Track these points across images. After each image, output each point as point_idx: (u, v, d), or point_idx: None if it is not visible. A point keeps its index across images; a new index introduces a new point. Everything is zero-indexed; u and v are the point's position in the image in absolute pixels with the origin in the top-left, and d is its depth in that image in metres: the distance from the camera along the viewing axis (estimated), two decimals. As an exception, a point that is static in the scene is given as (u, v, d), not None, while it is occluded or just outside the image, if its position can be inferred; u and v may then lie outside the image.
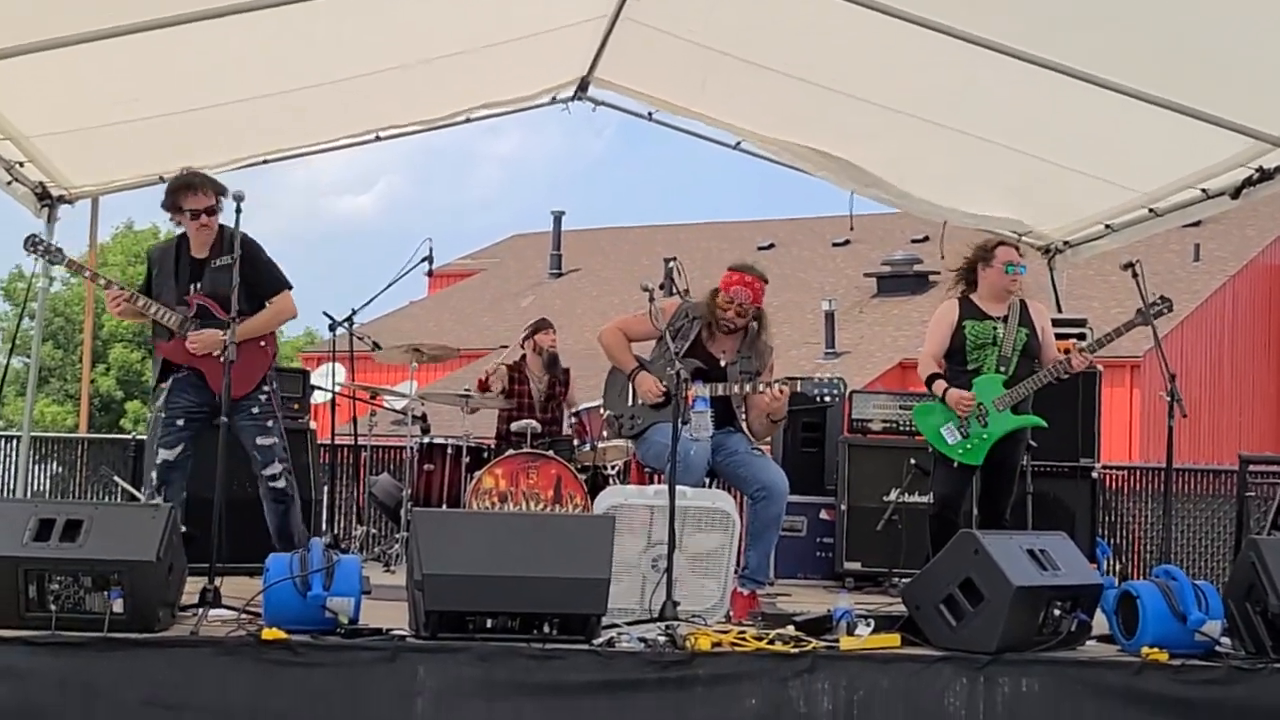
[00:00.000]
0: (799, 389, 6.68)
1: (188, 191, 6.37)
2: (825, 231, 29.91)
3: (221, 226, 6.45)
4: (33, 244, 6.52)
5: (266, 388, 6.53)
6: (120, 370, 34.09)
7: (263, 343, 6.51)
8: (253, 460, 6.51)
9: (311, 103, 7.91)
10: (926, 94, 7.80)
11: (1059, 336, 7.46)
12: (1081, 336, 8.56)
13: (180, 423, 6.41)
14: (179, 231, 6.54)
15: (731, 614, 6.03)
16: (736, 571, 6.24)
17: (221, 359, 6.02)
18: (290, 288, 6.62)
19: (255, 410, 6.46)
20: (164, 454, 6.38)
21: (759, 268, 6.89)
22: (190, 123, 7.73)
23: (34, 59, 6.54)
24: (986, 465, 6.85)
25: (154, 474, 6.39)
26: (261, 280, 6.45)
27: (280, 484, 6.50)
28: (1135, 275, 6.66)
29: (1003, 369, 6.81)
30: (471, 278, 34.21)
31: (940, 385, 6.80)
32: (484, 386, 9.02)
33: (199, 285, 6.42)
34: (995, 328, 6.85)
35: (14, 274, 36.89)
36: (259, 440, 6.47)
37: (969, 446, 6.78)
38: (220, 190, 6.39)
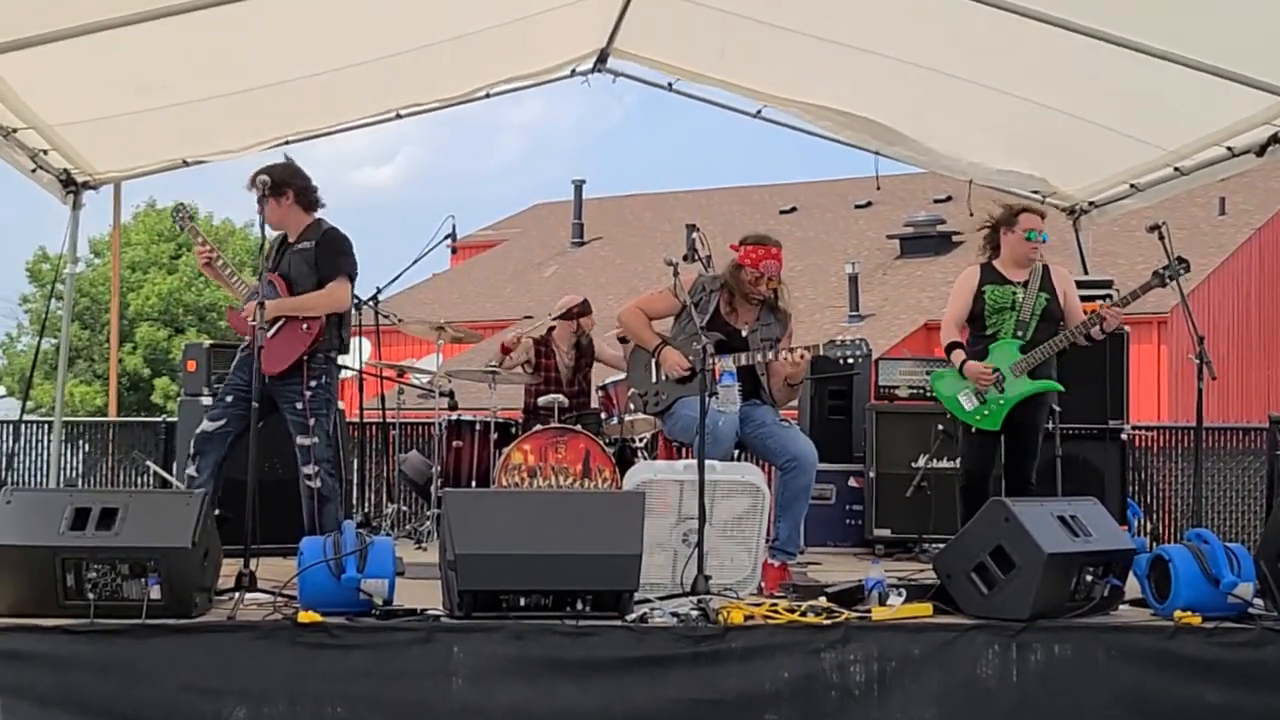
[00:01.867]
0: (822, 352, 6.69)
1: (250, 184, 6.52)
2: (847, 194, 29.83)
3: (318, 220, 6.75)
4: (179, 214, 7.04)
5: (314, 382, 6.57)
6: (147, 349, 34.21)
7: (305, 325, 6.55)
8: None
9: (333, 84, 7.91)
10: (947, 51, 7.74)
11: (1085, 299, 7.44)
12: (1108, 298, 8.52)
13: (229, 399, 6.58)
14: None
15: (763, 586, 6.04)
16: (767, 543, 6.25)
17: (271, 334, 6.37)
18: (348, 276, 6.70)
19: (298, 405, 6.54)
20: (205, 424, 6.59)
21: (771, 235, 6.89)
22: (213, 107, 7.73)
23: (57, 48, 6.55)
24: (1008, 430, 6.85)
25: (192, 443, 6.59)
26: (326, 265, 6.63)
27: (315, 484, 6.58)
28: (1161, 237, 6.63)
29: (1020, 334, 6.82)
30: (494, 248, 34.22)
31: (959, 355, 6.82)
32: (507, 350, 9.02)
33: (279, 267, 6.69)
34: (1014, 292, 6.86)
35: (38, 255, 37.05)
36: (299, 439, 6.58)
37: (986, 412, 6.80)
38: (269, 183, 6.44)
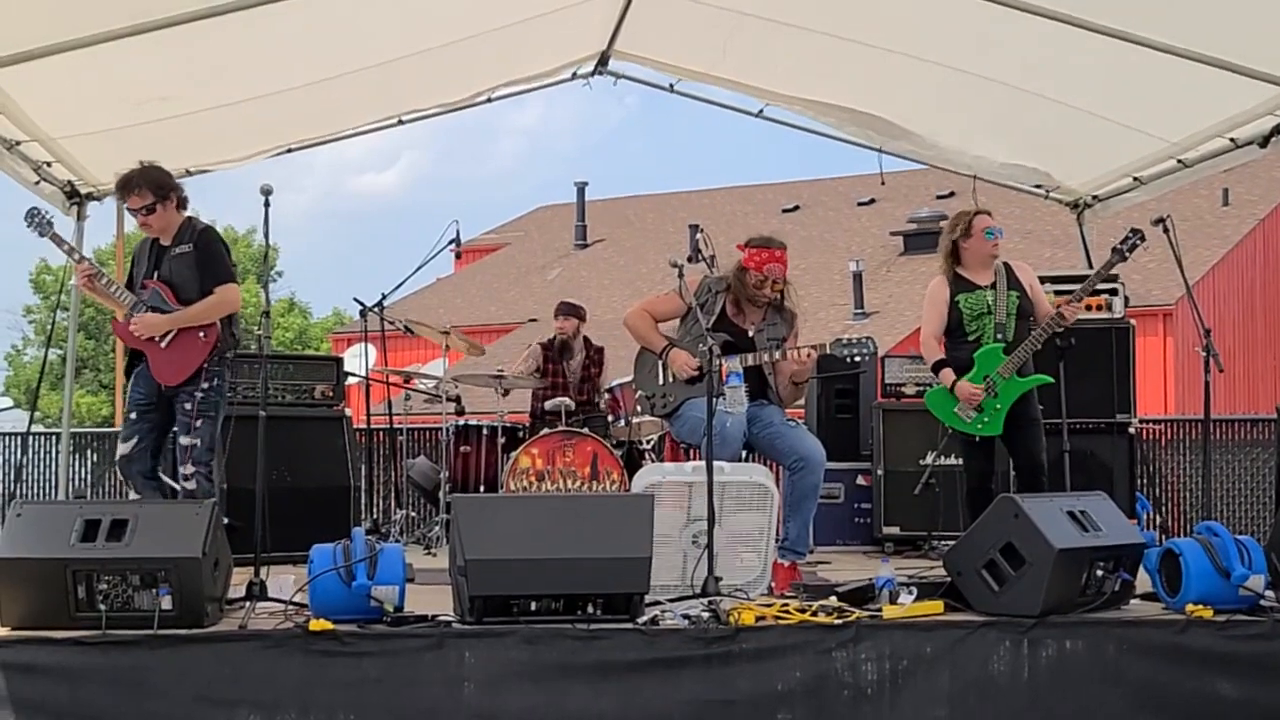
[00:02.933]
0: (829, 351, 6.69)
1: (125, 192, 6.47)
2: (850, 191, 29.83)
3: (190, 218, 6.59)
4: (32, 218, 6.61)
5: (207, 383, 6.46)
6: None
7: (202, 334, 6.44)
8: (153, 446, 6.51)
9: (334, 92, 7.90)
10: (950, 45, 7.73)
11: (1092, 293, 7.44)
12: (1113, 292, 8.53)
13: (133, 416, 6.51)
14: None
15: (773, 586, 6.05)
16: (776, 543, 6.25)
17: (164, 344, 6.33)
18: (235, 282, 6.64)
19: (188, 405, 6.42)
20: (121, 448, 6.52)
21: (776, 236, 6.89)
22: (215, 117, 7.73)
23: (58, 60, 6.56)
24: (1005, 428, 6.87)
25: (117, 468, 6.55)
26: (209, 272, 6.50)
27: (190, 485, 6.41)
28: (1166, 230, 6.64)
29: (1000, 336, 6.85)
30: (497, 252, 34.24)
31: (948, 375, 6.84)
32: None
33: (158, 273, 6.53)
34: (987, 297, 6.88)
35: (40, 266, 37.12)
36: (181, 439, 6.44)
37: (986, 420, 6.83)
38: (160, 187, 6.45)
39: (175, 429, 6.47)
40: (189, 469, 6.41)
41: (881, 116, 8.98)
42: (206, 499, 6.28)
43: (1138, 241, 6.74)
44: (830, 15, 7.73)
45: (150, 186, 6.43)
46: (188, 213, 6.63)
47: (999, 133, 8.99)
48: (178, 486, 6.46)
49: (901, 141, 9.25)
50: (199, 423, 6.41)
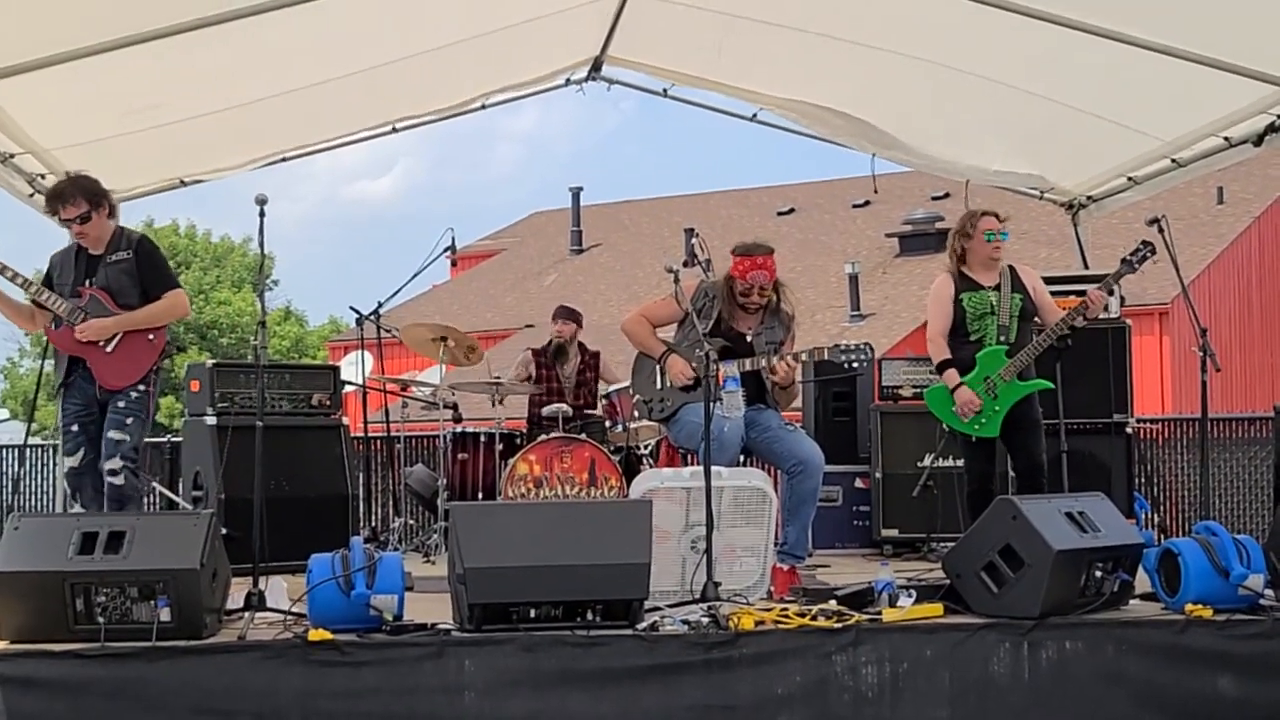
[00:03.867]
0: (826, 357, 6.70)
1: (59, 203, 6.47)
2: (845, 193, 29.83)
3: (120, 227, 6.64)
4: None
5: (144, 385, 6.49)
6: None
7: (151, 336, 6.50)
8: (100, 452, 6.44)
9: (328, 99, 7.91)
10: (943, 45, 7.75)
11: (1084, 294, 7.45)
12: (1110, 292, 8.53)
13: (75, 428, 6.50)
14: None
15: (772, 590, 6.04)
16: (775, 547, 6.25)
17: (110, 349, 6.34)
18: (180, 288, 6.70)
19: (122, 404, 6.43)
20: (68, 461, 6.50)
21: (762, 241, 6.88)
22: (208, 126, 7.74)
23: (51, 72, 6.57)
24: (1005, 429, 6.88)
25: (65, 484, 6.52)
26: (154, 279, 6.54)
27: (118, 480, 6.36)
28: (1161, 230, 6.65)
29: (1003, 338, 6.87)
30: (493, 258, 34.24)
31: (952, 376, 6.85)
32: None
33: (94, 280, 6.51)
34: (990, 297, 6.89)
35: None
36: (110, 433, 6.40)
37: (984, 420, 6.86)
38: (93, 195, 6.46)
39: (105, 425, 6.42)
40: (116, 463, 6.37)
41: (874, 124, 9.00)
42: (135, 495, 6.40)
43: (1148, 254, 6.79)
44: (823, 16, 7.75)
45: (84, 195, 6.44)
46: (116, 221, 6.69)
47: (992, 134, 8.99)
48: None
49: (894, 151, 9.27)
50: (130, 420, 6.41)
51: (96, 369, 6.42)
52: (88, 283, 6.49)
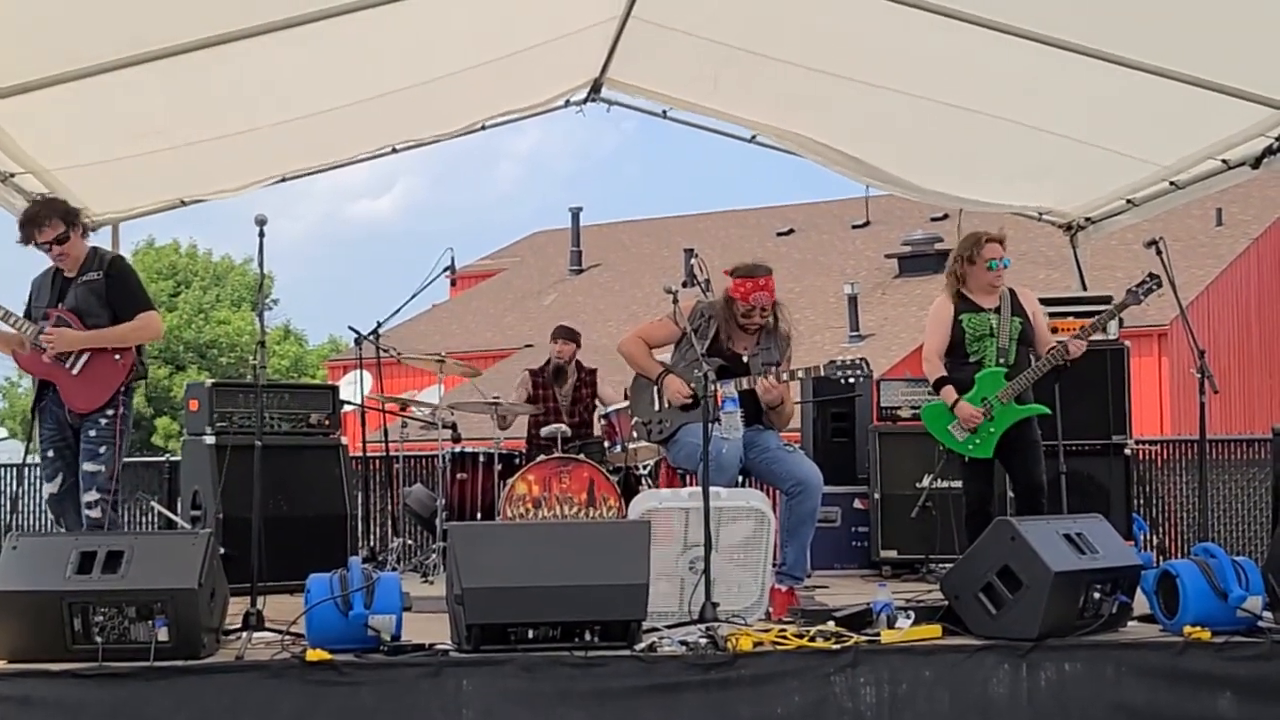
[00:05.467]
0: (823, 374, 6.71)
1: (33, 228, 6.42)
2: (844, 214, 29.89)
3: (94, 248, 6.61)
4: None
5: (112, 410, 6.44)
6: (148, 387, 34.25)
7: (118, 356, 6.45)
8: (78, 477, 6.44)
9: (329, 123, 7.92)
10: (940, 78, 7.77)
11: (1085, 315, 7.48)
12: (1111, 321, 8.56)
13: (51, 454, 6.52)
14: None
15: (771, 611, 6.04)
16: (774, 568, 6.25)
17: (76, 370, 6.31)
18: (155, 309, 6.69)
19: (93, 433, 6.41)
20: (48, 487, 6.51)
21: (761, 262, 6.90)
22: (209, 148, 7.75)
23: (53, 92, 6.58)
24: (1004, 451, 6.89)
25: (50, 510, 6.51)
26: (124, 300, 6.50)
27: (95, 513, 6.36)
28: (1159, 253, 6.68)
29: (1002, 360, 6.91)
30: (493, 278, 34.26)
31: (950, 393, 6.88)
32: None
33: (63, 302, 6.49)
34: (991, 320, 6.92)
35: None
36: (85, 465, 6.40)
37: (978, 441, 6.89)
38: (68, 215, 6.45)
39: (80, 457, 6.41)
40: (93, 495, 6.36)
41: (868, 162, 9.05)
42: (111, 529, 6.30)
43: (1154, 286, 6.85)
44: (820, 52, 7.79)
45: (59, 216, 6.43)
46: (90, 242, 6.66)
47: (990, 168, 9.04)
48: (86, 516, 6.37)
49: (890, 185, 9.33)
50: (103, 449, 6.38)
51: (64, 392, 6.40)
52: (59, 305, 6.45)
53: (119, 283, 6.52)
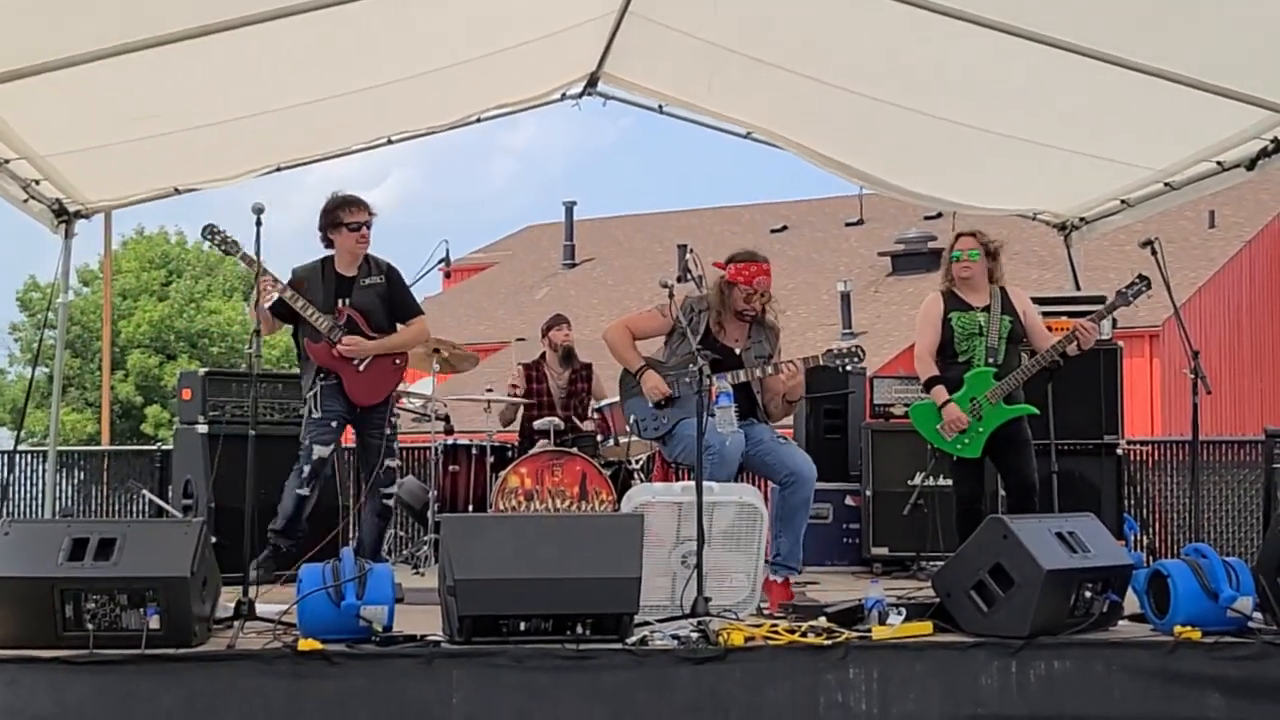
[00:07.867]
0: (821, 363, 6.72)
1: (349, 207, 6.88)
2: (838, 212, 29.89)
3: (369, 254, 7.01)
4: (210, 233, 6.83)
5: (384, 407, 6.98)
6: (139, 376, 34.15)
7: (397, 360, 7.06)
8: (375, 476, 7.00)
9: (324, 113, 7.90)
10: (937, 85, 7.78)
11: (1078, 315, 7.48)
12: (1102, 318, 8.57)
13: (334, 424, 6.94)
14: (325, 253, 7.03)
15: (767, 602, 6.05)
16: (767, 561, 6.25)
17: (361, 368, 6.84)
18: (423, 314, 7.18)
19: (388, 432, 7.01)
20: (319, 450, 6.88)
21: (759, 251, 6.91)
22: (204, 136, 7.72)
23: (47, 79, 6.54)
24: (994, 450, 6.90)
25: (308, 467, 6.86)
26: (403, 304, 7.11)
27: (392, 503, 7.16)
28: (1154, 253, 6.68)
29: (991, 359, 6.91)
30: (485, 271, 34.21)
31: (940, 393, 6.89)
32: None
33: (348, 300, 6.87)
34: (979, 318, 6.93)
35: (29, 284, 37.01)
36: (388, 462, 7.03)
37: (966, 441, 6.91)
38: (372, 210, 6.92)
39: (374, 454, 6.98)
40: (394, 489, 7.14)
41: (861, 170, 9.06)
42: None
43: (1143, 288, 6.88)
44: (812, 59, 7.80)
45: (366, 207, 6.93)
46: None
47: (983, 176, 9.06)
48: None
49: (884, 189, 9.36)
50: (394, 444, 7.08)
51: (348, 385, 6.86)
52: (343, 302, 6.87)
53: (399, 288, 7.10)
